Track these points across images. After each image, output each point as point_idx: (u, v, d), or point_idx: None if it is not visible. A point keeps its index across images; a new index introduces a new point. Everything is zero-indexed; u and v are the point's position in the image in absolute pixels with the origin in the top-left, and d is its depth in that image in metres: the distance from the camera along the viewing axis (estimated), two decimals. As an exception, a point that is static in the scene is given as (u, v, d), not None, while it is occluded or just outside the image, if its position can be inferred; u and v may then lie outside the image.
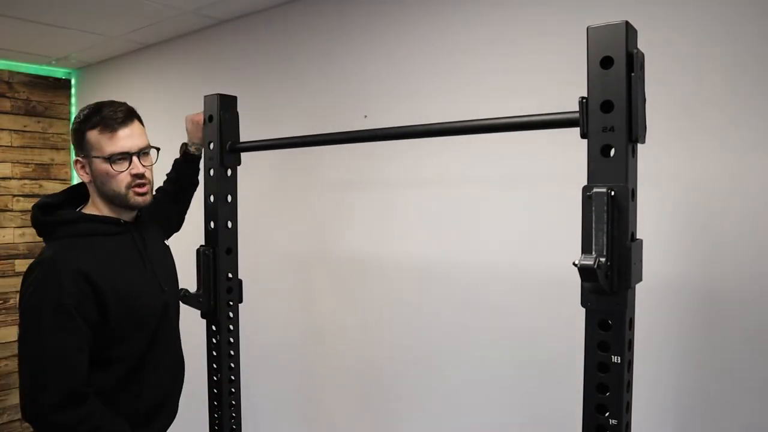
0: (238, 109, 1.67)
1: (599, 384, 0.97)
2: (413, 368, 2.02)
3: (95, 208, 1.51)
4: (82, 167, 1.48)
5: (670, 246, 1.48)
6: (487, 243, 1.82)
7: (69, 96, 3.63)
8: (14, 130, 3.39)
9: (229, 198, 1.67)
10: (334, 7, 2.21)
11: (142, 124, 1.53)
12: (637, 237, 0.98)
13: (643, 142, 0.95)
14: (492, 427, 1.82)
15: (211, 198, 1.66)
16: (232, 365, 1.69)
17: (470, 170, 1.87)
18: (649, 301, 1.33)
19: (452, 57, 1.89)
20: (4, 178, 3.35)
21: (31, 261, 1.44)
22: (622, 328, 0.95)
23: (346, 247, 2.21)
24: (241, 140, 1.66)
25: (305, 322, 2.37)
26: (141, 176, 1.48)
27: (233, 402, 1.70)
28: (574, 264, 0.91)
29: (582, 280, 0.93)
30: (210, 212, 1.66)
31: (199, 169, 1.84)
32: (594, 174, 0.95)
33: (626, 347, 0.95)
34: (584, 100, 0.96)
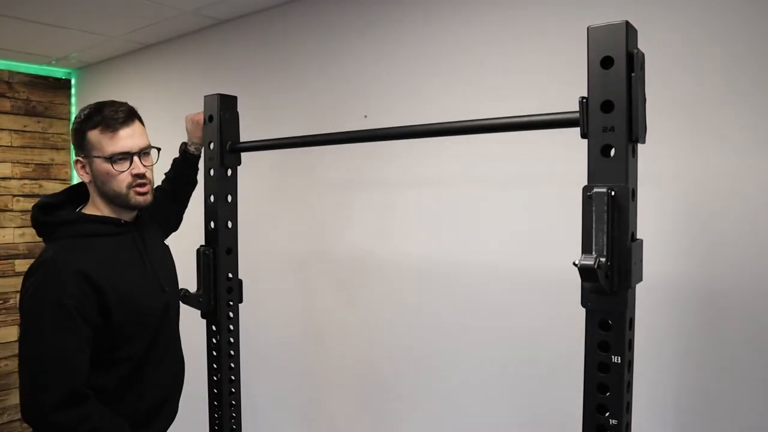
0: (238, 109, 1.68)
1: (599, 384, 0.96)
2: (413, 368, 2.02)
3: (95, 208, 1.51)
4: (83, 167, 1.48)
5: (670, 246, 1.48)
6: (487, 243, 1.82)
7: (69, 96, 3.63)
8: (14, 130, 3.39)
9: (229, 198, 1.67)
10: (334, 7, 2.21)
11: (143, 124, 1.53)
12: (638, 237, 0.98)
13: (644, 142, 0.95)
14: (492, 427, 1.82)
15: (211, 198, 1.66)
16: (232, 365, 1.69)
17: (470, 170, 1.87)
18: (649, 301, 1.33)
19: (452, 57, 1.89)
20: (4, 178, 3.35)
21: (31, 261, 1.44)
22: (622, 328, 0.95)
23: (346, 247, 2.21)
24: (241, 140, 1.67)
25: (305, 322, 2.37)
26: (142, 176, 1.48)
27: (233, 402, 1.70)
28: (574, 264, 0.91)
29: (582, 280, 0.93)
30: (210, 212, 1.66)
31: (197, 169, 1.84)
32: (594, 174, 0.95)
33: (626, 347, 0.95)
34: (584, 100, 0.96)
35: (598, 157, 0.94)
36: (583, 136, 0.97)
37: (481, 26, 1.82)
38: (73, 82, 3.63)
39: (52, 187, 3.41)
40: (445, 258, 1.92)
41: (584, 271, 0.91)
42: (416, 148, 1.93)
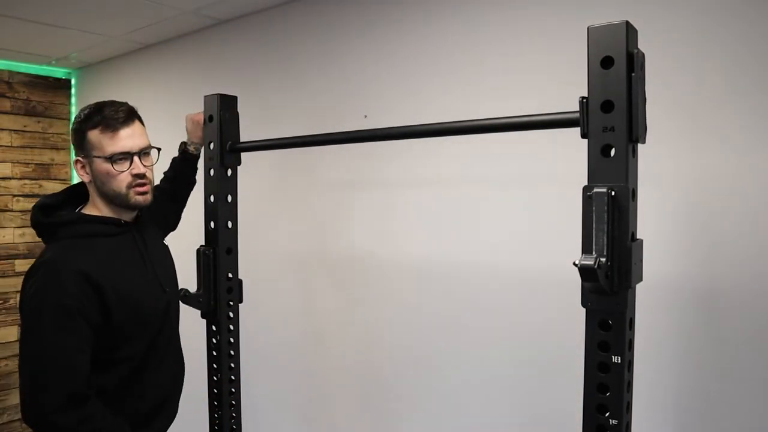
0: (238, 109, 1.68)
1: (599, 384, 0.97)
2: (413, 368, 2.02)
3: (95, 208, 1.51)
4: (83, 167, 1.48)
5: (670, 246, 1.48)
6: (487, 243, 1.82)
7: (69, 96, 3.63)
8: (14, 130, 3.39)
9: (229, 198, 1.67)
10: (334, 7, 2.21)
11: (143, 124, 1.53)
12: (638, 237, 0.98)
13: (644, 142, 0.95)
14: (492, 427, 1.82)
15: (211, 198, 1.66)
16: (232, 365, 1.69)
17: (470, 170, 1.87)
18: (649, 301, 1.33)
19: (452, 57, 1.89)
20: (4, 178, 3.35)
21: (31, 261, 1.44)
22: (622, 328, 0.95)
23: (346, 247, 2.21)
24: (241, 140, 1.67)
25: (305, 322, 2.37)
26: (142, 176, 1.48)
27: (233, 402, 1.70)
28: (574, 264, 0.91)
29: (582, 280, 0.93)
30: (210, 212, 1.66)
31: (196, 169, 1.84)
32: (594, 174, 0.95)
33: (626, 347, 0.95)
34: (584, 100, 0.96)
35: (598, 157, 0.95)
36: (583, 136, 0.97)
37: (481, 26, 1.82)
38: (73, 82, 3.63)
39: (52, 187, 3.41)
40: (445, 258, 1.92)
41: (584, 271, 0.91)
42: (416, 148, 1.93)
